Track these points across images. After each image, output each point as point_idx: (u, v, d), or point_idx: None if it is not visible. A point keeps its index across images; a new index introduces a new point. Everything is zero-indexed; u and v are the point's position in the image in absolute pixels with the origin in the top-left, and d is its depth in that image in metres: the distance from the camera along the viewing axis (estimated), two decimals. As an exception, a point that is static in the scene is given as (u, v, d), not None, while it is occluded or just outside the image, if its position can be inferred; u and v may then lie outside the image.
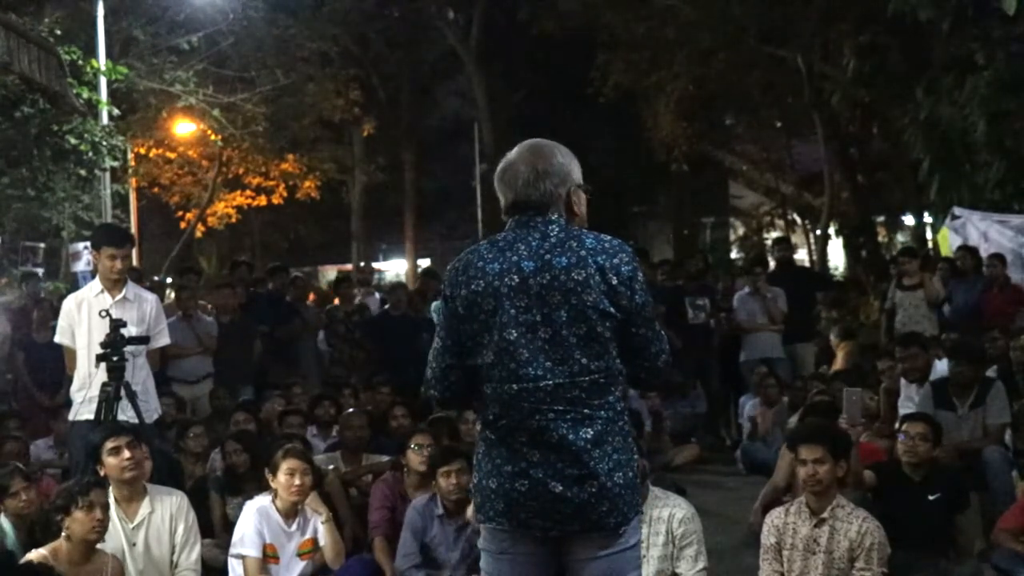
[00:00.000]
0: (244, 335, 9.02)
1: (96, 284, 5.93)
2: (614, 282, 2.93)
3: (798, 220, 24.75)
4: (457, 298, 3.02)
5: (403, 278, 24.24)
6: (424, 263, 29.06)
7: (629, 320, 2.98)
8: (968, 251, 10.38)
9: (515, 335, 2.93)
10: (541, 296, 2.93)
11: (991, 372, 7.27)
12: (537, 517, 2.95)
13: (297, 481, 5.17)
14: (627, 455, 2.99)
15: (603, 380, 2.95)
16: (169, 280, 16.62)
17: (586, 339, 2.92)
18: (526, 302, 2.94)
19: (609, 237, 3.03)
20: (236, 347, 8.85)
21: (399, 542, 5.34)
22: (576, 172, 3.09)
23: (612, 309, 2.93)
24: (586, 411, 2.93)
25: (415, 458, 5.75)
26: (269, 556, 5.18)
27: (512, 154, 3.11)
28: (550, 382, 2.92)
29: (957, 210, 12.01)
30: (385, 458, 6.61)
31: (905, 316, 9.47)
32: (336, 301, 11.02)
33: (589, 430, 2.92)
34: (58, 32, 12.09)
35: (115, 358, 5.49)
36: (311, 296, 12.57)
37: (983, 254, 10.23)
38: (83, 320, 5.80)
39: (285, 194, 22.18)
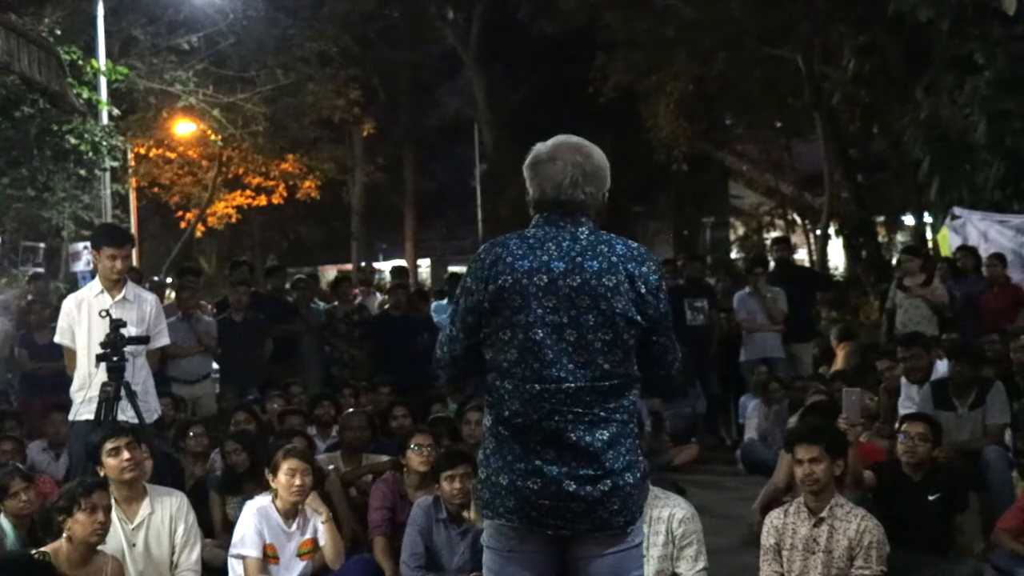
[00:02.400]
0: (256, 334, 9.01)
1: (96, 284, 5.93)
2: (643, 291, 2.94)
3: (798, 220, 24.75)
4: (482, 292, 2.98)
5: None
6: (424, 263, 29.03)
7: (652, 329, 2.98)
8: (968, 251, 10.37)
9: (541, 335, 2.92)
10: (570, 298, 2.92)
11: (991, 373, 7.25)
12: (549, 515, 2.94)
13: (297, 481, 5.16)
14: (635, 456, 3.01)
15: (621, 385, 2.96)
16: (169, 280, 16.62)
17: (611, 345, 2.92)
18: (554, 303, 2.92)
19: (636, 244, 3.02)
20: (247, 346, 8.85)
21: (404, 541, 5.32)
22: (609, 175, 3.09)
23: (638, 318, 2.94)
24: (602, 414, 2.94)
25: (415, 458, 5.73)
26: (269, 556, 5.17)
27: (550, 147, 3.06)
28: (572, 385, 2.91)
29: (957, 210, 12.00)
30: (385, 458, 6.59)
31: (906, 317, 9.45)
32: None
33: (605, 432, 2.93)
34: (58, 32, 12.08)
35: (115, 358, 5.48)
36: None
37: (983, 254, 10.22)
38: (83, 320, 5.79)
39: (285, 194, 22.18)
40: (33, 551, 4.35)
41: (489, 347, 3.01)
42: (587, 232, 2.99)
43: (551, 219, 3.02)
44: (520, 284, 2.94)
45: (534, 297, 2.93)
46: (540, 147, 3.08)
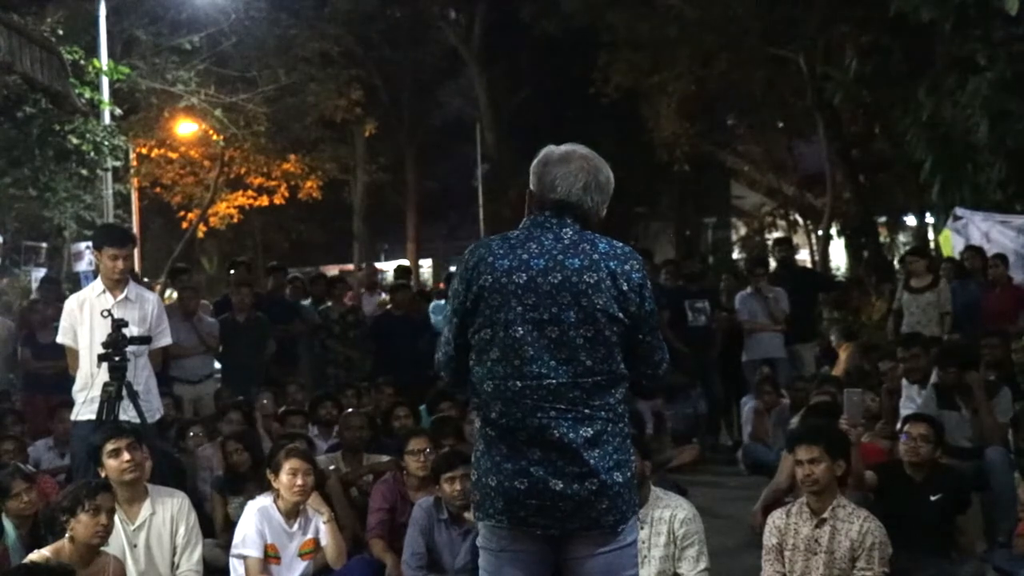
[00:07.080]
0: (258, 334, 9.01)
1: (98, 284, 5.94)
2: (624, 288, 2.96)
3: (800, 221, 24.75)
4: (465, 293, 3.04)
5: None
6: (426, 263, 29.02)
7: (636, 327, 3.00)
8: (975, 251, 10.34)
9: (521, 332, 2.95)
10: (551, 295, 2.94)
11: (991, 376, 7.22)
12: (537, 515, 2.96)
13: (299, 481, 5.17)
14: (626, 455, 3.02)
15: (604, 382, 2.97)
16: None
17: (593, 341, 2.94)
18: (534, 300, 2.95)
19: (620, 243, 3.05)
20: (249, 346, 8.84)
21: (405, 541, 5.32)
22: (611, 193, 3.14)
23: (621, 314, 2.95)
24: (586, 411, 2.95)
25: (412, 463, 5.73)
26: (270, 556, 5.17)
27: (565, 150, 3.10)
28: (553, 381, 2.93)
29: (959, 211, 11.99)
30: (386, 458, 6.59)
31: (913, 319, 9.44)
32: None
33: (589, 429, 2.94)
34: (60, 32, 12.09)
35: (117, 358, 5.49)
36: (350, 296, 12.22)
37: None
38: (85, 320, 5.81)
39: (287, 194, 22.18)
40: (34, 558, 4.34)
41: (474, 348, 3.04)
42: (571, 232, 3.02)
43: (537, 220, 3.06)
44: (500, 283, 2.97)
45: (513, 295, 2.96)
46: (553, 148, 3.12)
